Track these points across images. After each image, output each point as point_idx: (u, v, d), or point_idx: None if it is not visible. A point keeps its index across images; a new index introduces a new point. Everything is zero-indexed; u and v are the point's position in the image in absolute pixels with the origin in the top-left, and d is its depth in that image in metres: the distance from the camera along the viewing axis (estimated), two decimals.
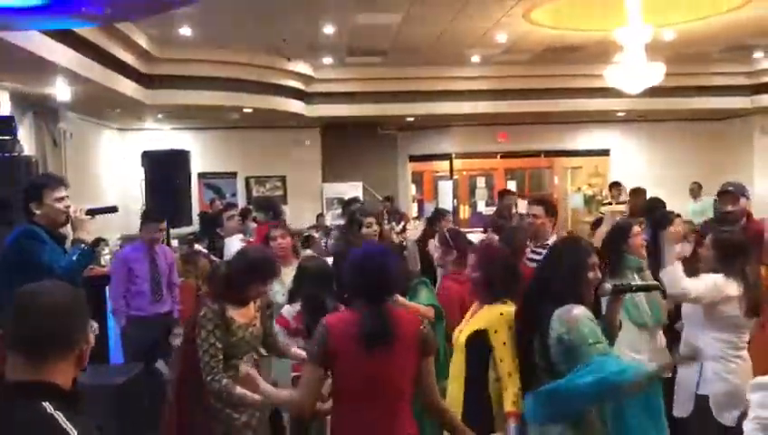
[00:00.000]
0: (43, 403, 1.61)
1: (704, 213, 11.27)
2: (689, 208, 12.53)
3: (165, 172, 7.36)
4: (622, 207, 9.50)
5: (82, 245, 3.55)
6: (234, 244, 6.15)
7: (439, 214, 6.35)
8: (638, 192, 8.18)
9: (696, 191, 12.37)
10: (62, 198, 3.63)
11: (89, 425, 1.66)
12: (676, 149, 14.37)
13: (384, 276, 2.68)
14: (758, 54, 11.90)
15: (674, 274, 3.56)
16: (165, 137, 12.93)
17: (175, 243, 8.42)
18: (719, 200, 5.23)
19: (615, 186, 10.80)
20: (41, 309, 1.66)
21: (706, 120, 14.25)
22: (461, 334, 3.30)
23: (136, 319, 5.50)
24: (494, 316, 3.19)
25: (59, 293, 1.71)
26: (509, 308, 3.19)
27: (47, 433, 1.59)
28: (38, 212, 3.60)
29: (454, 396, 3.22)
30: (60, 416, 1.60)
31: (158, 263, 5.72)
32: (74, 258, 3.51)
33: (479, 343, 3.17)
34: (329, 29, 9.32)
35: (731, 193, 5.08)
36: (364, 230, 4.51)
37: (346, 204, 10.69)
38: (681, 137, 14.42)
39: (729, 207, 5.03)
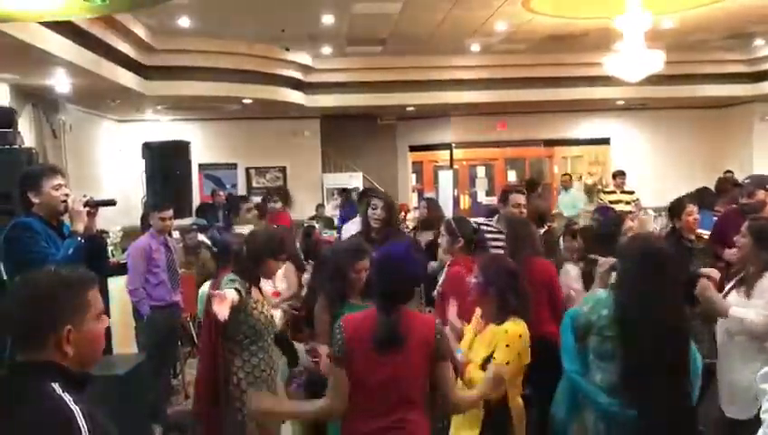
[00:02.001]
0: (52, 384, 1.65)
1: (574, 205, 11.14)
2: (558, 200, 12.48)
3: (165, 163, 7.37)
4: (632, 197, 9.48)
5: (78, 238, 3.52)
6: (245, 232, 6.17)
7: (368, 193, 5.64)
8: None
9: (567, 182, 12.21)
10: (59, 186, 3.61)
11: (93, 409, 1.67)
12: (677, 137, 14.36)
13: (399, 280, 2.69)
14: (758, 42, 11.87)
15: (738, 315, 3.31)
16: (164, 128, 12.92)
17: (176, 234, 8.44)
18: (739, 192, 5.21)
19: (619, 174, 10.75)
20: (15, 299, 1.74)
21: (706, 107, 14.23)
22: (473, 370, 3.11)
23: (156, 308, 5.53)
24: (499, 336, 3.10)
25: (32, 282, 1.76)
26: (516, 326, 3.10)
27: (52, 414, 1.61)
28: (37, 201, 3.57)
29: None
30: (67, 397, 1.63)
31: (172, 249, 5.80)
32: (70, 252, 3.46)
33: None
34: (328, 18, 9.29)
35: (746, 186, 5.12)
36: (369, 211, 4.48)
37: (343, 191, 10.75)
38: (681, 125, 14.40)
39: (744, 200, 5.08)
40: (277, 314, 4.31)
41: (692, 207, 4.92)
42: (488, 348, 3.09)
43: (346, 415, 2.68)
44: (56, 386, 1.65)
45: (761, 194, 5.01)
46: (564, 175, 12.48)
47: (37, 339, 1.68)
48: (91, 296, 1.76)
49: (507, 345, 3.03)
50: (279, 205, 7.25)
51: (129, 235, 7.92)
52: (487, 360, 3.05)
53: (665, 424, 2.79)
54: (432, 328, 2.69)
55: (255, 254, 3.65)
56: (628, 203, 9.44)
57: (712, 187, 8.07)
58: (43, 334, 1.68)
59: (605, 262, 3.37)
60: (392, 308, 2.64)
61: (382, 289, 2.69)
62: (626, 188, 10.48)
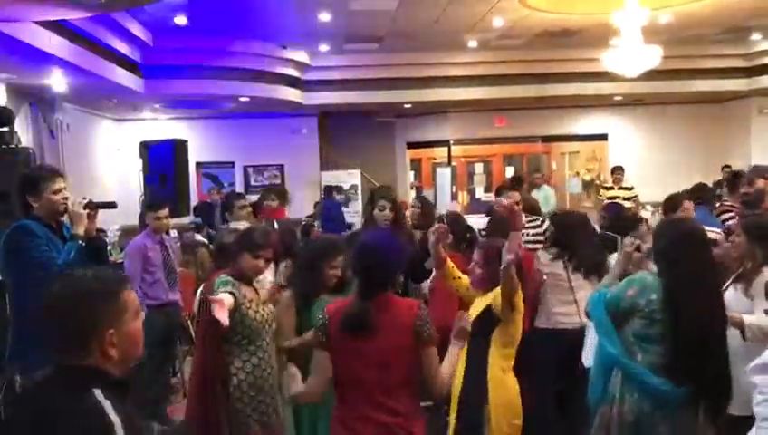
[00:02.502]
0: (94, 390, 1.64)
1: (547, 203, 10.66)
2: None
3: (163, 162, 7.36)
4: (631, 193, 9.40)
5: (80, 241, 3.53)
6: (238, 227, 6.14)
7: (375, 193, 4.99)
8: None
9: (539, 180, 11.74)
10: (59, 190, 3.60)
11: (132, 416, 1.68)
12: (674, 133, 14.35)
13: (375, 266, 2.69)
14: (755, 36, 11.87)
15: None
16: (162, 127, 12.90)
17: (174, 233, 8.43)
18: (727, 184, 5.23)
19: (617, 170, 10.71)
20: (55, 305, 1.71)
21: (704, 102, 14.22)
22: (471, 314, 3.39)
23: (154, 308, 5.52)
24: (494, 294, 3.34)
25: (70, 287, 1.73)
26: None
27: (91, 422, 1.60)
28: (36, 205, 3.58)
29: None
30: (108, 406, 1.62)
31: (170, 250, 5.78)
32: (71, 255, 3.47)
33: (482, 323, 3.29)
34: (325, 16, 9.28)
35: (746, 175, 5.13)
36: (376, 212, 4.46)
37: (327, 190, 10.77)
38: (679, 120, 14.40)
39: (744, 189, 5.09)
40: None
41: (687, 204, 4.93)
42: (483, 304, 3.41)
43: (336, 402, 2.72)
44: (98, 392, 1.64)
45: (760, 183, 5.01)
46: (536, 173, 12.29)
47: (80, 344, 1.67)
48: (127, 297, 1.76)
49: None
50: (275, 203, 7.21)
51: (127, 234, 7.91)
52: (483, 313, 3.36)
53: (717, 396, 2.92)
54: (414, 313, 2.66)
55: (233, 249, 3.66)
56: (626, 199, 9.43)
57: (710, 182, 8.07)
58: (87, 339, 1.67)
59: (631, 243, 3.35)
60: (370, 293, 2.66)
61: (359, 274, 2.74)
62: (624, 184, 10.46)
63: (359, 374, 2.62)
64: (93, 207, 3.68)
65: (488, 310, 3.36)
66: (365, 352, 2.60)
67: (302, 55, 11.72)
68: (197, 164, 13.10)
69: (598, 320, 3.07)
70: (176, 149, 7.64)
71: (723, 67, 12.73)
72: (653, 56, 8.03)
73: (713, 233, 5.81)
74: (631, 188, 10.24)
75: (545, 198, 11.11)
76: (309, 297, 3.62)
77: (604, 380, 3.07)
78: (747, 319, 3.30)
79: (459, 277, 3.76)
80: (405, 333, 2.62)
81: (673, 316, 2.90)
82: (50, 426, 1.57)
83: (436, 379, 2.68)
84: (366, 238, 2.89)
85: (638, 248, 3.30)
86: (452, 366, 2.80)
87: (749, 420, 3.13)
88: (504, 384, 3.34)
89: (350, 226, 10.25)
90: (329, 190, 12.44)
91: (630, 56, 8.04)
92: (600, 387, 3.08)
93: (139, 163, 8.53)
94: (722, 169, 12.88)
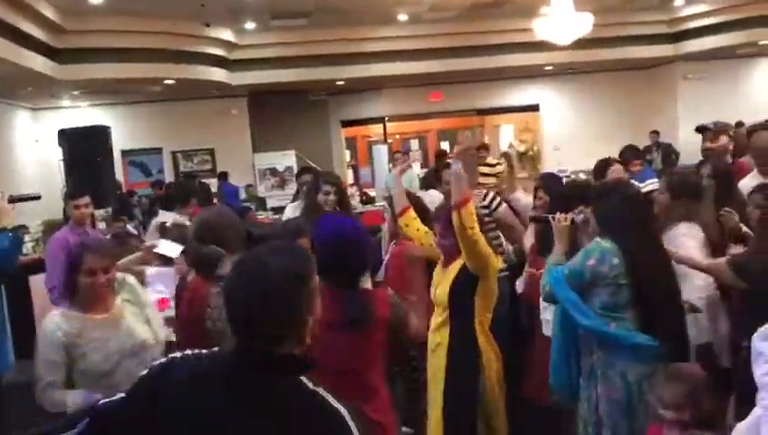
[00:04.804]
0: (302, 379, 1.54)
1: (411, 183, 9.40)
2: (384, 179, 11.49)
3: (84, 151, 6.93)
4: (495, 170, 8.99)
5: (8, 233, 3.48)
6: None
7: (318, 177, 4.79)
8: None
9: (401, 158, 10.49)
10: None
11: (352, 407, 1.56)
12: (604, 100, 14.58)
13: (355, 254, 2.54)
14: (678, 2, 12.09)
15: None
16: (83, 114, 12.31)
17: (102, 225, 8.03)
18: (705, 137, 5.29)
19: (482, 147, 9.73)
20: (263, 288, 1.55)
21: (632, 69, 14.47)
22: (439, 289, 3.23)
23: None
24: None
25: (279, 269, 1.56)
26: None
27: (319, 413, 1.51)
28: None
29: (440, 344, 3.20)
30: (325, 393, 1.53)
31: None
32: (7, 244, 3.43)
33: (463, 282, 3.13)
34: None
35: (709, 130, 5.18)
36: (320, 197, 4.23)
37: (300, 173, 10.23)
38: (607, 88, 14.62)
39: (708, 144, 5.16)
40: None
41: (616, 166, 4.95)
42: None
43: None
44: (306, 380, 1.54)
45: (723, 139, 5.05)
46: (396, 152, 11.43)
47: (285, 331, 1.54)
48: (316, 280, 1.64)
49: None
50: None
51: (51, 228, 7.49)
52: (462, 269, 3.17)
53: (686, 353, 2.99)
54: (388, 303, 2.57)
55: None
56: (489, 175, 8.61)
57: (641, 146, 8.23)
58: (294, 326, 1.55)
59: (564, 217, 3.25)
60: (350, 284, 2.50)
61: (327, 268, 2.48)
62: (488, 161, 9.51)
63: (329, 373, 2.45)
64: (17, 200, 3.62)
65: (462, 272, 3.16)
66: (343, 350, 2.43)
67: (227, 34, 11.29)
68: (123, 152, 12.57)
69: (564, 297, 2.96)
70: (96, 136, 7.21)
71: (649, 34, 12.95)
72: (584, 24, 8.05)
73: (653, 185, 5.95)
74: (494, 165, 9.46)
75: (409, 180, 9.68)
76: None
77: (568, 365, 3.01)
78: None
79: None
80: (385, 326, 2.51)
81: (639, 277, 2.89)
82: (271, 415, 1.50)
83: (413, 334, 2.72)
84: (335, 229, 2.66)
85: (572, 221, 3.21)
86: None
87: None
88: (493, 350, 3.21)
89: (247, 209, 9.44)
90: (224, 174, 12.20)
91: (562, 24, 8.04)
92: (564, 372, 3.02)
93: (59, 153, 8.07)
94: (650, 133, 13.17)
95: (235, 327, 1.54)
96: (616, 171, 4.90)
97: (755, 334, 1.97)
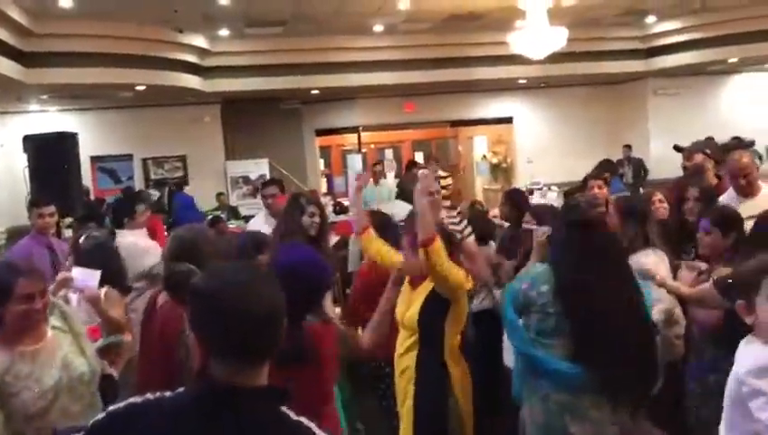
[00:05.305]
0: (283, 409, 1.45)
1: (390, 197, 9.15)
2: (366, 194, 10.67)
3: (51, 157, 6.79)
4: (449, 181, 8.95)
5: None
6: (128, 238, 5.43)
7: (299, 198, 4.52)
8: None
9: (380, 173, 10.15)
10: None
11: None
12: (576, 114, 14.69)
13: (305, 289, 2.40)
14: (650, 18, 12.24)
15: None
16: (51, 119, 12.08)
17: (69, 233, 7.84)
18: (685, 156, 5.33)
19: (414, 165, 9.39)
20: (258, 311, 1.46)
21: (604, 84, 14.62)
22: (409, 312, 3.11)
23: None
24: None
25: (270, 294, 1.50)
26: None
27: None
28: None
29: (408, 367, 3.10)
30: (308, 422, 1.47)
31: (58, 254, 5.22)
32: None
33: (434, 306, 3.04)
34: None
35: (685, 150, 5.25)
36: (305, 219, 4.07)
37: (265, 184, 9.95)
38: (580, 102, 14.74)
39: (684, 162, 5.23)
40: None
41: (593, 182, 4.99)
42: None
43: None
44: (287, 411, 1.46)
45: (698, 157, 5.06)
46: (376, 164, 10.71)
47: (264, 359, 1.48)
48: None
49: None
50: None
51: (14, 237, 7.27)
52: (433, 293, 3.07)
53: (638, 383, 2.74)
54: (336, 337, 2.52)
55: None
56: (443, 187, 8.48)
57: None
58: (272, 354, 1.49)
59: (541, 232, 3.21)
60: (297, 319, 2.35)
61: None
62: (439, 174, 9.25)
63: None
64: None
65: (432, 296, 3.07)
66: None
67: (200, 40, 11.15)
68: (92, 158, 12.33)
69: (505, 315, 2.91)
70: (65, 142, 7.06)
71: (621, 49, 13.09)
72: (559, 38, 8.08)
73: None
74: (445, 177, 9.39)
75: (389, 193, 9.51)
76: None
77: (520, 378, 2.95)
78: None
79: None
80: (335, 359, 2.47)
81: (567, 306, 2.71)
82: None
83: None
84: (284, 259, 2.55)
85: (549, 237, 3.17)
86: (380, 314, 2.69)
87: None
88: (461, 369, 3.14)
89: (217, 219, 9.04)
90: (180, 184, 11.74)
91: (537, 38, 8.06)
92: (519, 385, 2.96)
93: (24, 159, 7.87)
94: (623, 147, 13.31)
95: (226, 351, 1.44)
96: (593, 186, 4.93)
97: (745, 371, 1.92)
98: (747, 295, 2.01)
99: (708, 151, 5.03)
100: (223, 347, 1.44)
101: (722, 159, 4.81)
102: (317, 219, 4.07)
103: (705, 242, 3.29)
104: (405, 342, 3.15)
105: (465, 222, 4.36)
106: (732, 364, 2.05)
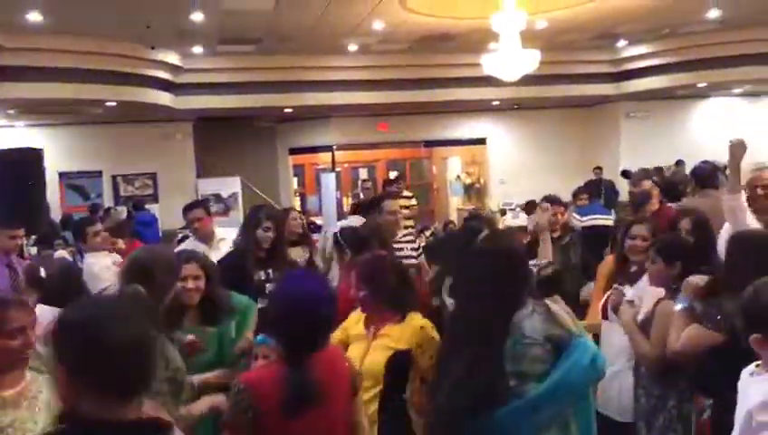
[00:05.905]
0: None
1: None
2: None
3: (15, 173, 6.63)
4: (414, 202, 9.00)
5: None
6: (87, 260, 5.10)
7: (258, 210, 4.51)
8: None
9: (369, 190, 9.69)
10: None
11: None
12: (548, 136, 14.83)
13: (313, 326, 2.20)
14: (621, 42, 12.42)
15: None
16: (19, 134, 11.87)
17: (34, 250, 7.66)
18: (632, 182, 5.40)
19: (388, 183, 9.19)
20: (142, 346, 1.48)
21: (576, 106, 14.80)
22: (368, 360, 2.87)
23: None
24: (414, 332, 2.91)
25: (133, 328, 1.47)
26: (425, 321, 2.98)
27: None
28: None
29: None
30: None
31: (19, 273, 5.05)
32: None
33: (399, 365, 2.86)
34: (197, 15, 8.75)
35: (633, 176, 5.30)
36: (259, 233, 3.99)
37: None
38: (552, 124, 14.89)
39: (630, 188, 5.27)
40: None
41: (545, 205, 4.94)
42: (400, 343, 2.87)
43: None
44: None
45: (646, 184, 5.10)
46: (365, 181, 10.30)
47: (134, 393, 1.46)
48: None
49: (431, 357, 2.83)
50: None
51: None
52: (398, 354, 2.85)
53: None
54: (348, 368, 2.34)
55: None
56: (406, 208, 8.46)
57: (582, 182, 8.41)
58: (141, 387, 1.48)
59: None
60: (305, 357, 2.17)
61: (293, 337, 2.18)
62: (404, 194, 9.37)
63: None
64: None
65: (395, 355, 2.86)
66: (302, 426, 2.15)
67: (173, 57, 11.06)
68: (60, 174, 12.12)
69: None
70: (29, 158, 6.91)
71: (593, 72, 13.27)
72: (531, 60, 8.13)
73: (608, 220, 6.02)
74: (410, 197, 9.41)
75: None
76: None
77: None
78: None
79: None
80: (345, 392, 2.28)
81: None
82: None
83: (362, 426, 2.40)
84: (290, 290, 2.33)
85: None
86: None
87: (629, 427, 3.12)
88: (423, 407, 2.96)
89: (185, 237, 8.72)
90: (140, 202, 11.55)
91: (510, 60, 8.10)
92: None
93: None
94: (593, 169, 13.43)
95: (91, 386, 1.40)
96: (545, 209, 4.96)
97: (754, 407, 1.92)
98: (763, 329, 1.95)
99: (656, 179, 5.13)
100: (89, 381, 1.40)
101: (668, 186, 4.93)
102: (271, 234, 4.04)
103: (651, 271, 3.20)
104: (366, 392, 2.80)
105: (419, 244, 4.45)
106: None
